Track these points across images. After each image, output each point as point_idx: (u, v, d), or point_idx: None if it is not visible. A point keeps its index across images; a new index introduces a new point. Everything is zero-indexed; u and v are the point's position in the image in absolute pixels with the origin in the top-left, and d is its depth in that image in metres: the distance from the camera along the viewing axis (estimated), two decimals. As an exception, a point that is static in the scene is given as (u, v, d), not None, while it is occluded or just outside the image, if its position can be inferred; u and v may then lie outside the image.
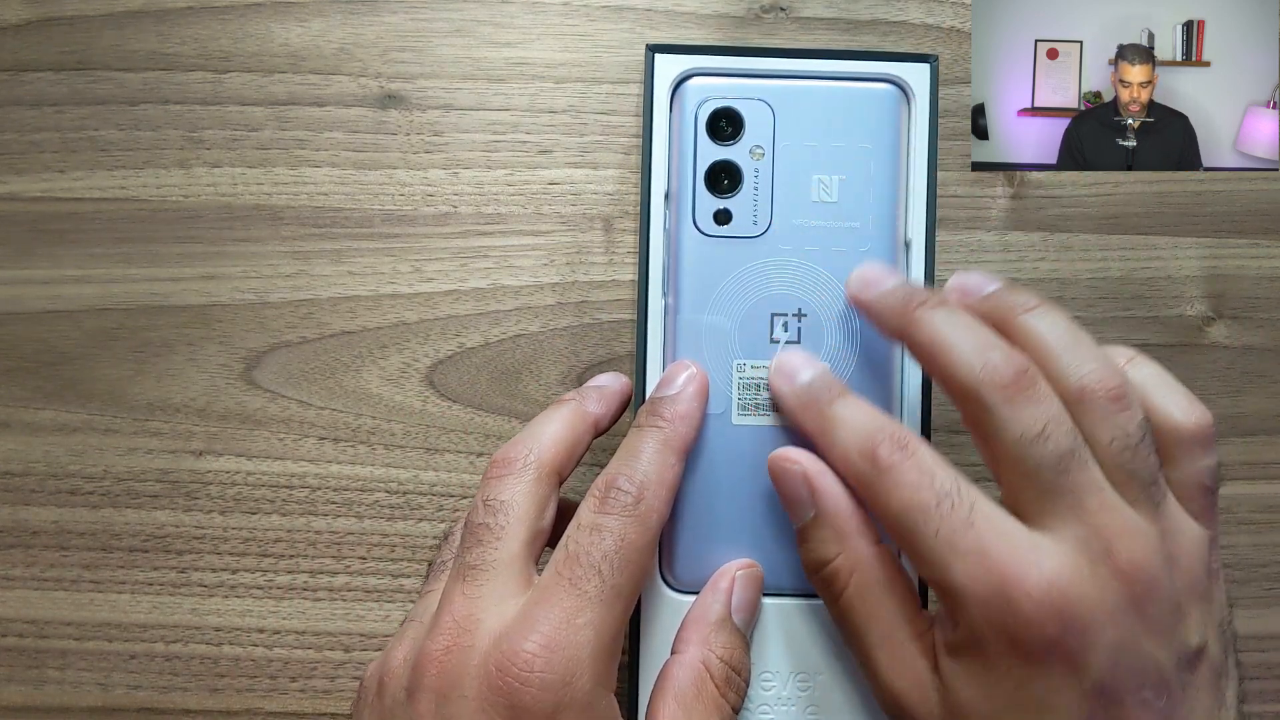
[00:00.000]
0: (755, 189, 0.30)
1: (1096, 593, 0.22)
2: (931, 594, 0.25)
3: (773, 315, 0.30)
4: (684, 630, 0.28)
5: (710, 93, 0.30)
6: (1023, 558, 0.22)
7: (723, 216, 0.30)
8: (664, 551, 0.30)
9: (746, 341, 0.30)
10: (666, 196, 0.30)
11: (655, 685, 0.27)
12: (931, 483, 0.24)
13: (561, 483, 0.27)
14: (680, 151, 0.30)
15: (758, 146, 0.30)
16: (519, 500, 0.26)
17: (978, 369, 0.24)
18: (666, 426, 0.27)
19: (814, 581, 0.27)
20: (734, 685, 0.27)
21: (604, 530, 0.25)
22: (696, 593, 0.29)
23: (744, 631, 0.28)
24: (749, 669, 0.28)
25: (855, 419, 0.26)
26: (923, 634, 0.25)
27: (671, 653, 0.27)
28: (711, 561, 0.29)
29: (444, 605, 0.25)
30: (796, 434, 0.28)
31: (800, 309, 0.30)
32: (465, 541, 0.26)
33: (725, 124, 0.30)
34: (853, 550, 0.26)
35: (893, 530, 0.24)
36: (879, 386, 0.29)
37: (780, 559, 0.29)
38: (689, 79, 0.30)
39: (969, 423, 0.25)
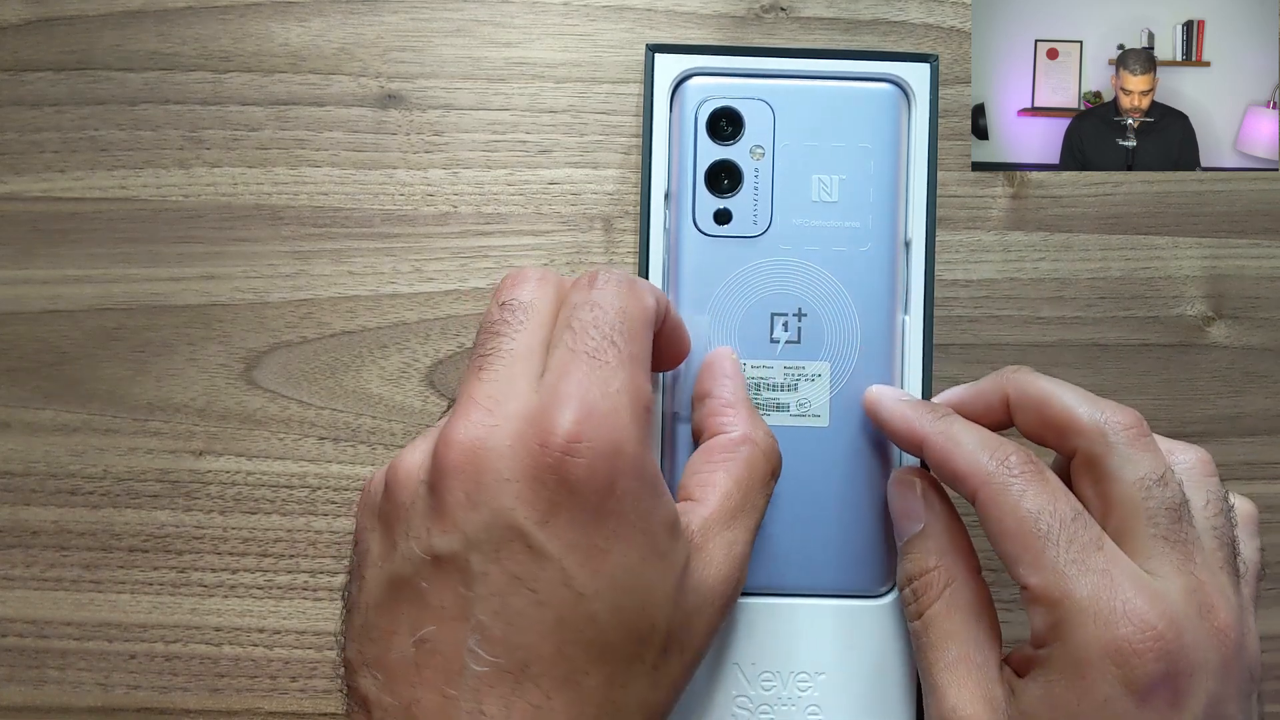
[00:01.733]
0: (755, 189, 0.30)
1: (1202, 643, 0.23)
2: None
3: (773, 315, 0.30)
4: (720, 407, 0.27)
5: (710, 93, 0.30)
6: (1147, 590, 0.23)
7: (723, 216, 0.30)
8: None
9: (747, 341, 0.30)
10: (666, 196, 0.30)
11: (703, 457, 0.26)
12: (1067, 498, 0.24)
13: None
14: (680, 151, 0.30)
15: (758, 146, 0.30)
16: (540, 301, 0.24)
17: (1098, 412, 0.25)
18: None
19: (905, 595, 0.27)
20: (776, 475, 0.27)
21: (602, 305, 0.23)
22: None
23: None
24: None
25: (978, 430, 0.26)
26: (999, 661, 0.25)
27: (707, 425, 0.27)
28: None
29: (461, 396, 0.23)
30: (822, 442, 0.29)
31: (800, 309, 0.30)
32: (479, 340, 0.24)
33: (725, 124, 0.30)
34: (952, 564, 0.26)
35: (1016, 530, 0.24)
36: (879, 386, 0.29)
37: (783, 559, 0.29)
38: (689, 79, 0.30)
39: (1081, 462, 0.25)
